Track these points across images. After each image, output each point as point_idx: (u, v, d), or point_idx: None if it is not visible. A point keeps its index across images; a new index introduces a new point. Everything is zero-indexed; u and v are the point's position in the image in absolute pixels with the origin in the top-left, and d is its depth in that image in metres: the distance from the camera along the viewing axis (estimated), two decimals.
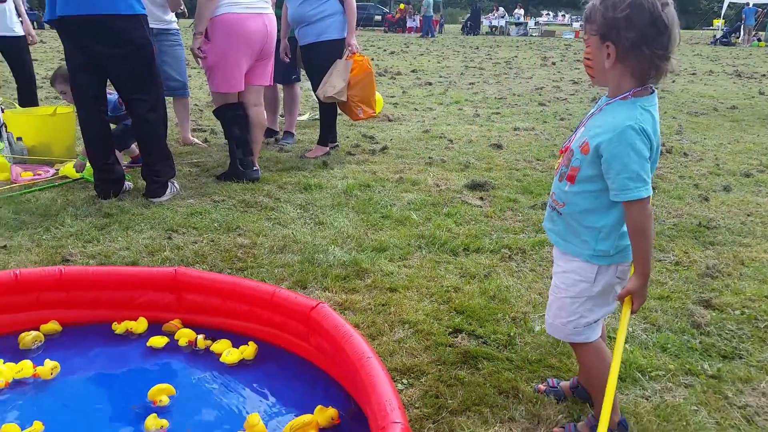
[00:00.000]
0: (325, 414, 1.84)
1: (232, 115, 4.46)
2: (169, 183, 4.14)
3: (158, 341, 2.17)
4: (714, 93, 10.49)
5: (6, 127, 4.80)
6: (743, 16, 27.44)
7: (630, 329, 2.53)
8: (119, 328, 2.28)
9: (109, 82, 4.04)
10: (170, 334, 2.24)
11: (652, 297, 2.83)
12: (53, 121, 5.07)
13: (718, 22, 32.69)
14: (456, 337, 2.44)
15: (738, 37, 27.81)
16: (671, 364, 2.31)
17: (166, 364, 2.13)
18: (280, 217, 3.78)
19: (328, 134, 5.64)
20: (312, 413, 1.82)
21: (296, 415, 1.84)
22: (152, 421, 1.75)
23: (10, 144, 4.76)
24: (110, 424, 1.80)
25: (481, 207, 4.14)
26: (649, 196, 1.61)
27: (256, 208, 3.97)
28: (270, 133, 6.40)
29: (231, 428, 1.81)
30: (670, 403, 2.07)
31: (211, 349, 2.17)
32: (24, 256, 3.06)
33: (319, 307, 2.03)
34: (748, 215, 4.09)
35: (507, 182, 4.76)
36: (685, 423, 1.96)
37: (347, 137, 6.44)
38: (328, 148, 5.61)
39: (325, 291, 2.79)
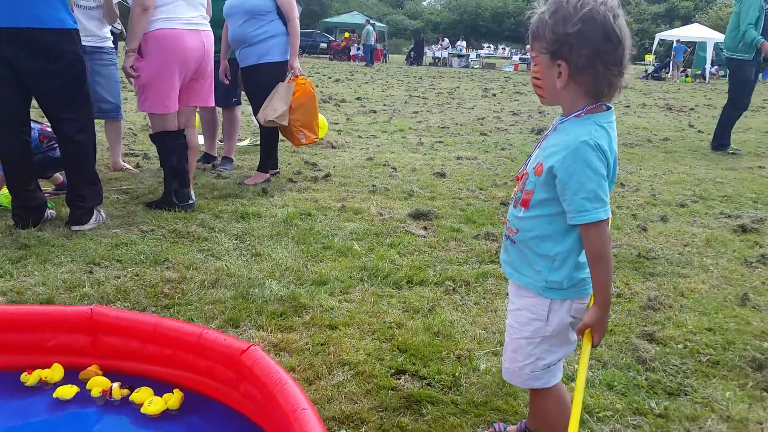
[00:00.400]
0: None
1: (172, 143, 4.23)
2: (95, 210, 3.87)
3: (66, 391, 1.94)
4: (647, 125, 10.88)
5: None
6: (673, 53, 28.92)
7: (574, 367, 2.46)
8: (31, 378, 2.03)
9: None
10: (82, 383, 2.01)
11: None
12: None
13: (650, 58, 34.35)
14: (399, 379, 2.31)
15: (668, 73, 29.26)
16: (618, 404, 2.24)
17: (78, 419, 1.90)
18: (213, 248, 3.58)
19: (268, 160, 5.47)
20: None
21: None
22: None
23: None
24: None
25: (424, 237, 4.05)
26: (608, 218, 1.53)
27: (188, 238, 3.75)
28: (207, 158, 6.18)
29: None
30: None
31: (130, 399, 1.96)
32: None
33: (250, 351, 1.87)
34: (685, 245, 4.15)
35: (450, 211, 4.70)
36: None
37: (289, 164, 6.28)
38: (268, 175, 5.43)
39: (259, 330, 2.62)
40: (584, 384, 1.55)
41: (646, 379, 2.43)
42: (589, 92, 1.55)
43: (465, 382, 2.31)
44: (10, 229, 3.68)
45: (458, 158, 7.16)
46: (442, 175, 6.07)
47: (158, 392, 2.00)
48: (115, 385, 1.98)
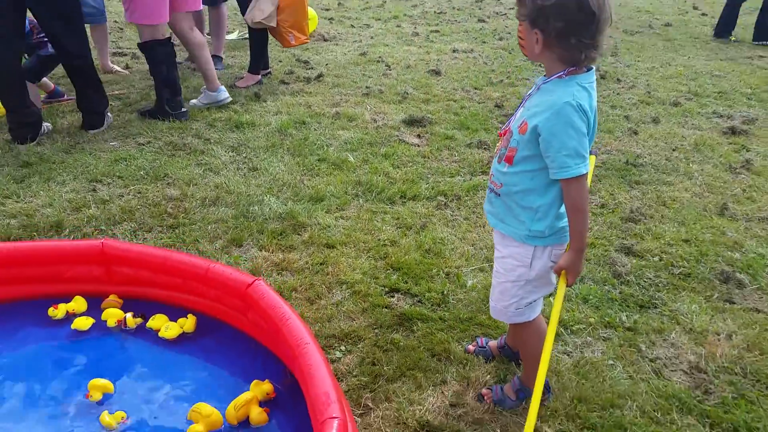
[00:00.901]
0: (261, 388, 1.89)
1: (161, 52, 4.17)
2: (105, 114, 4.06)
3: (83, 323, 2.12)
4: (650, 7, 10.54)
5: None
6: None
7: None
8: (58, 312, 2.18)
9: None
10: (98, 316, 2.18)
11: None
12: None
13: None
14: (392, 297, 2.50)
15: None
16: (592, 317, 2.45)
17: (101, 346, 2.10)
18: (210, 162, 3.67)
19: (259, 62, 5.39)
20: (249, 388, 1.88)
21: (237, 391, 1.88)
22: (108, 417, 1.74)
23: None
24: (49, 422, 1.79)
25: (418, 146, 4.13)
26: (587, 173, 1.64)
27: (185, 151, 3.82)
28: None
29: (178, 410, 1.83)
30: (589, 359, 2.21)
31: (147, 326, 2.15)
32: None
33: (255, 285, 2.03)
34: (674, 150, 4.25)
35: (444, 116, 4.73)
36: (601, 379, 2.12)
37: (280, 61, 6.19)
38: (260, 77, 5.38)
39: (261, 250, 2.78)
40: (557, 323, 1.72)
41: (620, 293, 2.63)
42: (563, 60, 1.62)
43: (452, 299, 2.51)
44: (9, 146, 3.74)
45: (454, 51, 7.03)
46: (437, 72, 6.01)
47: (172, 318, 2.19)
48: (129, 315, 2.16)
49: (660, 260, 2.88)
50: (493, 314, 1.97)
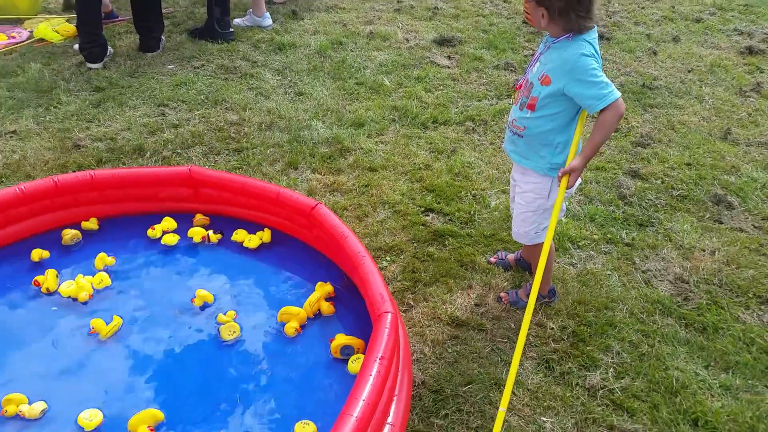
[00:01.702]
0: (324, 288, 2.41)
1: None
2: (161, 37, 4.43)
3: (171, 239, 2.61)
4: None
5: None
6: None
7: (567, 203, 3.08)
8: (156, 232, 2.64)
9: None
10: (182, 233, 2.66)
11: (590, 168, 3.36)
12: None
13: None
14: (428, 216, 2.97)
15: None
16: (596, 234, 2.91)
17: (195, 254, 2.61)
18: (261, 87, 4.04)
19: None
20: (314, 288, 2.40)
21: (308, 290, 2.41)
22: (224, 317, 2.27)
23: None
24: (175, 318, 2.32)
25: (448, 68, 4.44)
26: (620, 95, 1.99)
27: (236, 74, 4.19)
28: None
29: (270, 307, 2.35)
30: (590, 269, 2.70)
31: (232, 239, 2.66)
32: (36, 142, 3.35)
33: (318, 207, 2.50)
34: (689, 71, 4.50)
35: (473, 34, 4.98)
36: (599, 286, 2.61)
37: None
38: None
39: (314, 173, 3.23)
40: (555, 222, 2.11)
41: (623, 213, 3.06)
42: (566, 29, 1.99)
43: (478, 218, 2.97)
44: (80, 70, 4.14)
45: None
46: None
47: (251, 232, 2.69)
48: (210, 232, 2.64)
49: (662, 183, 3.29)
50: (515, 237, 2.42)
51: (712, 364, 2.28)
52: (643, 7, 5.67)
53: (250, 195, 2.69)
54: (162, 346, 2.19)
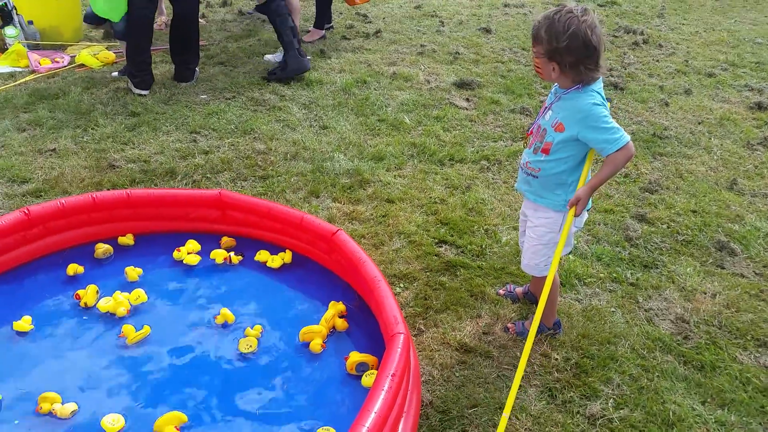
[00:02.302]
0: (337, 307, 2.55)
1: (280, 4, 4.67)
2: (196, 69, 4.69)
3: (193, 259, 2.76)
4: None
5: (16, 10, 4.98)
6: None
7: (576, 242, 3.22)
8: (180, 254, 2.79)
9: None
10: (205, 254, 2.81)
11: (599, 211, 3.50)
12: (59, 2, 5.23)
13: None
14: (441, 247, 3.12)
15: None
16: (602, 273, 3.03)
17: (217, 271, 2.77)
18: (287, 119, 4.26)
19: (323, 17, 5.87)
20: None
21: (322, 309, 2.55)
22: (251, 331, 2.41)
23: (22, 28, 4.98)
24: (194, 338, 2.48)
25: (466, 110, 4.64)
26: (629, 141, 2.16)
27: (265, 107, 4.42)
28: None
29: (288, 324, 2.49)
30: (595, 306, 2.81)
31: (255, 258, 2.81)
32: (73, 160, 3.57)
33: (339, 234, 2.65)
34: (699, 123, 4.66)
35: (492, 79, 5.19)
36: (603, 322, 2.72)
37: (341, 14, 6.63)
38: (323, 32, 5.87)
39: (335, 201, 3.40)
40: (561, 251, 2.27)
41: (628, 254, 3.19)
42: (575, 81, 2.16)
43: (489, 252, 3.11)
44: (116, 95, 4.39)
45: (505, 6, 7.35)
46: (488, 30, 6.39)
47: (273, 253, 2.85)
48: (231, 253, 2.80)
49: (668, 228, 3.41)
50: (524, 269, 2.55)
51: (708, 400, 2.37)
52: (657, 60, 5.87)
53: (275, 219, 2.85)
54: (186, 356, 2.32)
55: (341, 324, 2.47)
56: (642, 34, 6.52)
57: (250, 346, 2.34)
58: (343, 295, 2.66)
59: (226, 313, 2.46)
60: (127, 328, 2.35)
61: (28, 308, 2.47)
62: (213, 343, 2.38)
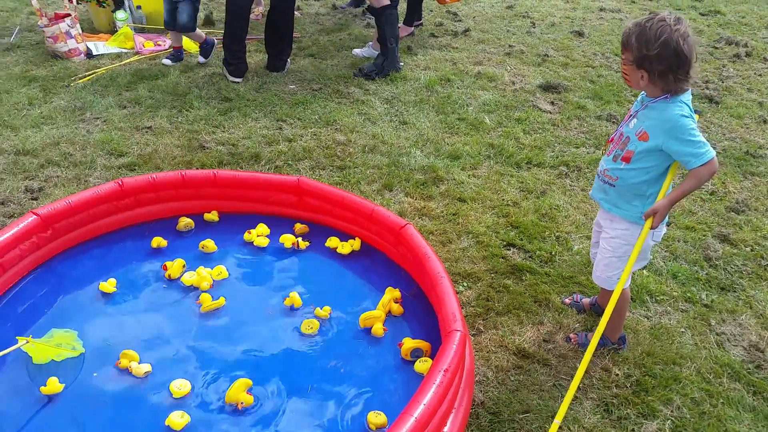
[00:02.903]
0: (393, 292, 2.62)
1: (392, 14, 4.76)
2: (288, 60, 4.86)
3: (262, 242, 2.88)
4: None
5: None
6: None
7: (651, 257, 3.12)
8: (252, 237, 2.92)
9: None
10: (277, 237, 2.93)
11: (679, 227, 3.38)
12: None
13: None
14: (509, 251, 3.12)
15: None
16: (675, 291, 2.94)
17: (293, 260, 2.89)
18: (369, 113, 4.35)
19: (414, 14, 5.93)
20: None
21: (379, 295, 2.63)
22: (320, 311, 2.53)
23: (131, 12, 5.33)
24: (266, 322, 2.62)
25: (550, 113, 4.57)
26: (714, 157, 2.11)
27: (349, 99, 4.53)
28: (358, 2, 6.69)
29: (349, 308, 2.59)
30: (664, 324, 2.73)
31: (326, 245, 2.92)
32: (168, 139, 3.81)
33: (407, 227, 2.71)
34: None
35: (580, 84, 5.09)
36: (670, 341, 2.64)
37: (431, 11, 6.67)
38: (413, 28, 5.93)
39: (407, 196, 3.46)
40: (633, 261, 2.22)
41: (706, 274, 3.07)
42: (664, 90, 2.10)
43: (559, 259, 3.08)
44: (212, 80, 4.64)
45: (601, 10, 7.15)
46: (580, 34, 6.25)
47: (343, 239, 2.94)
48: (299, 239, 2.91)
49: (751, 251, 3.25)
50: (596, 281, 2.52)
51: None
52: (760, 75, 5.55)
53: (347, 208, 2.95)
54: (254, 331, 2.46)
55: (397, 308, 2.56)
56: (746, 46, 6.17)
57: (311, 328, 2.45)
58: (401, 283, 2.72)
59: (294, 297, 2.57)
60: (204, 296, 2.52)
61: (114, 272, 2.68)
62: (281, 322, 2.50)
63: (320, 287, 2.72)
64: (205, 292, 2.57)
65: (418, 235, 2.69)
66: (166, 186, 2.95)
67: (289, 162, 3.67)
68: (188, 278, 2.64)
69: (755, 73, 5.56)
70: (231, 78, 4.58)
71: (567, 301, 2.83)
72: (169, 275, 2.66)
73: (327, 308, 2.53)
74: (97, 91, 4.37)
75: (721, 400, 2.38)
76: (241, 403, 2.10)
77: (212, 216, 3.03)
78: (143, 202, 2.95)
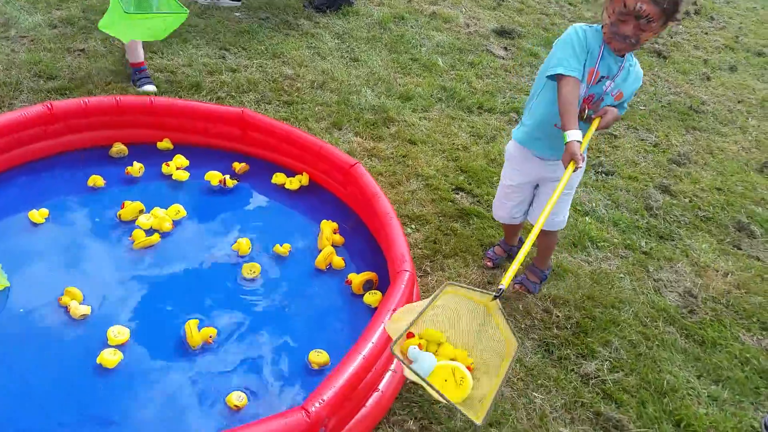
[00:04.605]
0: (330, 224, 2.60)
1: None
2: None
3: (182, 175, 2.74)
4: None
5: None
6: None
7: (593, 204, 3.17)
8: (170, 169, 2.77)
9: None
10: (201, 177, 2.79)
11: (622, 176, 3.43)
12: None
13: None
14: (457, 194, 3.09)
15: None
16: (616, 239, 3.00)
17: (243, 192, 2.77)
18: (319, 47, 4.17)
19: None
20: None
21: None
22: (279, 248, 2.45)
23: None
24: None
25: (503, 59, 4.51)
26: None
27: (298, 32, 4.33)
28: None
29: (306, 239, 2.56)
30: (604, 270, 2.79)
31: (272, 181, 2.81)
32: (102, 63, 3.54)
33: (356, 166, 2.63)
34: (739, 102, 4.51)
35: (534, 31, 5.03)
36: (610, 286, 2.70)
37: None
38: None
39: (356, 136, 3.36)
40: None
41: (646, 223, 3.14)
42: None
43: None
44: None
45: None
46: None
47: (289, 176, 2.84)
48: (227, 176, 2.75)
49: (690, 202, 3.35)
50: (553, 227, 2.48)
51: (704, 374, 2.37)
52: (706, 33, 5.64)
53: (293, 144, 2.84)
54: (193, 267, 2.36)
55: (339, 239, 2.57)
56: (695, 3, 6.25)
57: (254, 272, 2.35)
58: (335, 216, 2.70)
59: (241, 243, 2.45)
60: (137, 233, 2.38)
61: (45, 202, 2.50)
62: (220, 265, 2.40)
63: (267, 226, 2.63)
64: (138, 228, 2.42)
65: (368, 175, 2.62)
66: (99, 112, 2.75)
67: (233, 94, 3.49)
68: (145, 221, 2.46)
69: (702, 31, 5.64)
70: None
71: (489, 264, 2.77)
72: (120, 216, 2.48)
73: (287, 245, 2.46)
74: (23, 7, 4.00)
75: (657, 343, 2.46)
76: (210, 336, 2.04)
77: (166, 144, 2.87)
78: (74, 128, 2.74)
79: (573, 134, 1.99)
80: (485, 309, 1.62)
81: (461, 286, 1.62)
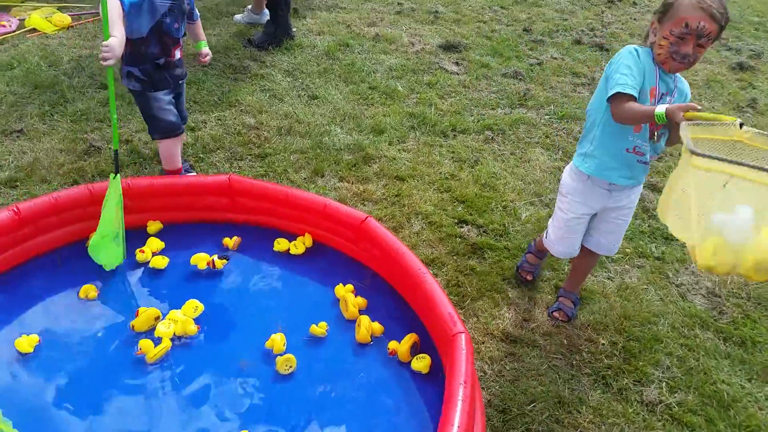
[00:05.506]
0: (346, 288, 2.41)
1: None
2: None
3: (160, 262, 2.44)
4: None
5: None
6: None
7: None
8: (145, 255, 2.47)
9: None
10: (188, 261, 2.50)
11: None
12: None
13: None
14: (462, 228, 2.96)
15: None
16: (628, 248, 2.96)
17: (245, 265, 2.53)
18: (273, 89, 3.95)
19: None
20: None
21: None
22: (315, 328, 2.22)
23: None
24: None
25: (458, 74, 4.44)
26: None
27: (246, 75, 4.08)
28: None
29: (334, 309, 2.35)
30: (628, 284, 2.74)
31: (275, 249, 2.57)
32: (47, 143, 3.18)
33: (368, 221, 2.46)
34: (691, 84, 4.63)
35: (477, 41, 5.00)
36: (639, 301, 2.66)
37: None
38: None
39: (341, 181, 3.18)
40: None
41: (648, 226, 3.13)
42: None
43: (512, 230, 2.98)
44: (79, 64, 3.94)
45: None
46: None
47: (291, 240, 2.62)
48: (215, 257, 2.46)
49: None
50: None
51: (754, 377, 2.36)
52: (634, 19, 5.81)
53: (292, 206, 2.62)
54: (234, 379, 2.10)
55: (362, 302, 2.37)
56: None
57: (290, 367, 2.12)
58: (348, 277, 2.49)
59: (275, 339, 2.16)
60: (145, 344, 2.09)
61: (28, 324, 2.17)
62: (256, 366, 2.14)
63: (284, 302, 2.40)
64: (146, 338, 2.13)
65: (382, 228, 2.46)
66: (71, 205, 2.43)
67: (200, 155, 3.22)
68: (166, 330, 2.14)
69: (631, 18, 5.80)
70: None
71: (528, 278, 2.71)
72: (133, 326, 2.17)
73: (323, 324, 2.24)
74: None
75: (701, 353, 2.43)
76: None
77: (157, 226, 2.59)
78: (45, 228, 2.42)
79: (659, 107, 1.87)
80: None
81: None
